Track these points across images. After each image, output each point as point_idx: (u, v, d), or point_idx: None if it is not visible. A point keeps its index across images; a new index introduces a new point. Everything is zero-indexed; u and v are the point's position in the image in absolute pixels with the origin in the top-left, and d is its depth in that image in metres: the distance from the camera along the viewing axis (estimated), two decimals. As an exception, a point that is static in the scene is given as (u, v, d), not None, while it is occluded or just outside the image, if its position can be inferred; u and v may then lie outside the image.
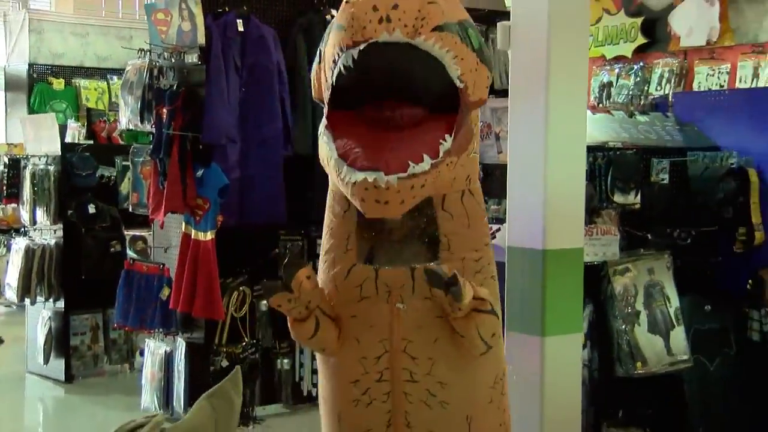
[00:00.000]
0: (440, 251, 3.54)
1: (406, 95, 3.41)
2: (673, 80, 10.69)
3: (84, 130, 10.89)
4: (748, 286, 6.61)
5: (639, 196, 6.48)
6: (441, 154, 3.24)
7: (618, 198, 6.42)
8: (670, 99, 8.00)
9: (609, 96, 11.21)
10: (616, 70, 11.30)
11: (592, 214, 6.32)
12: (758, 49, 10.13)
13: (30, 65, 11.34)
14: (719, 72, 10.31)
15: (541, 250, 5.56)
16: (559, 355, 5.63)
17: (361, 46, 3.14)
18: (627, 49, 11.35)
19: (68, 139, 10.55)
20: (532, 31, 5.65)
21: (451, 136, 3.27)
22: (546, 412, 5.61)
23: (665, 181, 6.58)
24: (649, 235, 6.61)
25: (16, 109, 12.00)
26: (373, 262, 3.62)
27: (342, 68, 3.26)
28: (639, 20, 11.26)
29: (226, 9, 8.30)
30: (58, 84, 12.34)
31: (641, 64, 11.07)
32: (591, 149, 6.36)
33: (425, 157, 3.20)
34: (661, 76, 10.79)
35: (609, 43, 11.59)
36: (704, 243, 6.67)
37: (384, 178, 3.15)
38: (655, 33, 11.23)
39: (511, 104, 5.81)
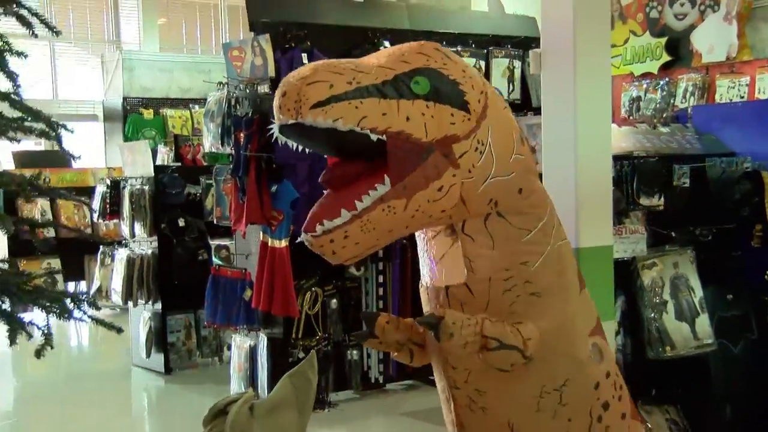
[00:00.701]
0: (465, 273, 3.36)
1: (346, 155, 3.27)
2: (696, 93, 10.60)
3: (172, 154, 10.96)
4: (765, 277, 6.43)
5: (662, 199, 6.32)
6: (369, 202, 3.09)
7: (643, 201, 6.25)
8: (689, 112, 7.84)
9: (638, 109, 11.11)
10: (644, 86, 11.19)
11: (620, 215, 6.19)
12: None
13: (124, 98, 11.43)
14: (739, 85, 10.22)
15: (575, 248, 5.42)
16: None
17: (274, 129, 3.13)
18: (653, 66, 11.27)
19: (158, 162, 10.64)
20: (559, 56, 5.58)
21: (383, 183, 3.09)
22: None
23: (686, 185, 6.42)
24: (672, 233, 6.47)
25: (113, 137, 12.08)
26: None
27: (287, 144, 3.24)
28: (663, 40, 11.21)
29: (292, 45, 8.32)
30: (148, 114, 12.43)
31: (667, 79, 10.96)
32: (618, 158, 6.29)
33: (342, 211, 3.08)
34: (686, 90, 10.68)
35: (637, 62, 11.51)
36: (724, 239, 6.53)
37: (306, 237, 3.14)
38: (678, 51, 11.19)
39: (544, 120, 5.75)
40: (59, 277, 12.98)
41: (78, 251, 12.75)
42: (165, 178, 10.01)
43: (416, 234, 3.59)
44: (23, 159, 13.58)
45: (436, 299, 3.46)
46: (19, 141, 3.19)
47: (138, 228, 10.09)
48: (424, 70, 3.14)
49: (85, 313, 3.38)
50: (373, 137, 3.06)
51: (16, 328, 3.01)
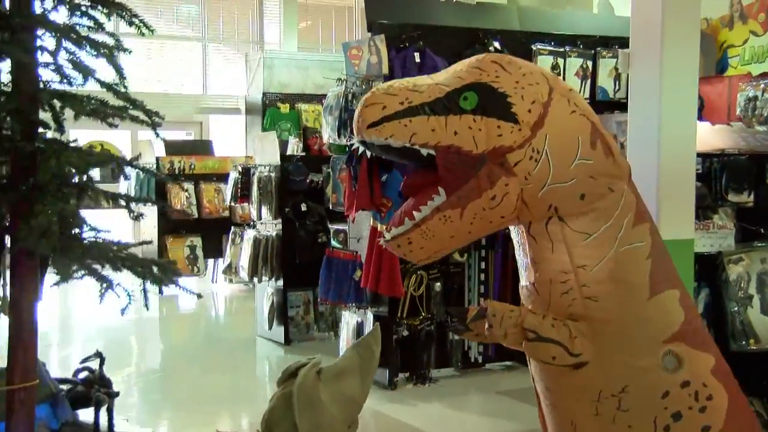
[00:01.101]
0: (533, 272, 3.45)
1: (419, 164, 3.38)
2: (815, 94, 10.04)
3: (301, 144, 10.99)
4: None
5: (752, 196, 6.18)
6: (426, 212, 3.23)
7: (732, 197, 6.13)
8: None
9: (755, 109, 10.64)
10: (762, 86, 10.62)
11: (708, 210, 6.08)
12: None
13: (264, 94, 11.60)
14: None
15: None
16: None
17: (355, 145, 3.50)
18: None
19: (289, 152, 10.72)
20: (647, 56, 5.49)
21: (439, 195, 3.22)
22: None
23: (783, 185, 6.23)
24: (762, 230, 6.26)
25: (253, 128, 12.25)
26: None
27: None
28: None
29: (407, 45, 8.28)
30: (284, 108, 12.51)
31: None
32: (707, 155, 6.16)
33: (406, 220, 3.27)
34: None
35: (755, 62, 11.02)
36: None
37: (382, 241, 3.48)
38: None
39: (630, 117, 5.67)
40: (200, 253, 13.29)
41: (217, 231, 12.90)
42: (290, 166, 10.12)
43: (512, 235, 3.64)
44: (172, 147, 13.92)
45: (521, 289, 3.56)
46: (116, 126, 3.19)
47: (264, 211, 10.22)
48: (475, 85, 3.21)
49: (171, 280, 3.37)
50: (424, 152, 3.18)
51: (107, 287, 3.06)
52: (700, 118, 8.25)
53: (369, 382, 3.51)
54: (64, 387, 4.83)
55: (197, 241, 13.28)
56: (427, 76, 3.40)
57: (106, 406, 4.69)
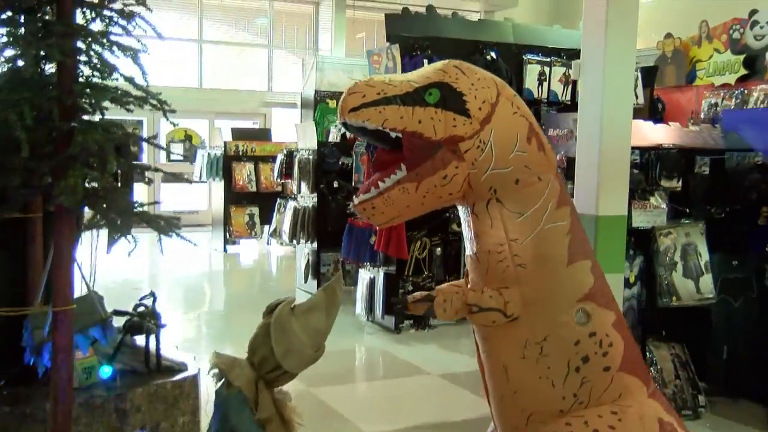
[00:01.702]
0: (475, 244, 3.42)
1: (388, 144, 3.35)
2: (766, 102, 10.01)
3: (339, 134, 11.06)
4: (766, 249, 6.20)
5: (680, 182, 6.23)
6: (389, 183, 3.23)
7: (664, 183, 6.19)
8: (719, 115, 7.60)
9: (716, 114, 10.64)
10: (722, 95, 10.60)
11: (645, 193, 6.12)
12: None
13: (315, 91, 11.69)
14: None
15: (596, 216, 5.54)
16: None
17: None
18: (731, 78, 10.67)
19: (330, 139, 10.85)
20: (592, 66, 5.59)
21: (401, 169, 3.22)
22: None
23: (705, 172, 6.30)
24: (687, 210, 6.33)
25: (306, 120, 12.23)
26: None
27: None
28: (741, 57, 10.58)
29: (418, 53, 8.40)
30: (332, 103, 12.57)
31: (742, 89, 10.37)
32: (646, 149, 6.20)
33: (372, 189, 3.25)
34: (757, 99, 10.07)
35: (717, 74, 10.95)
36: (734, 217, 6.35)
37: (352, 205, 3.43)
38: (755, 66, 10.54)
39: (579, 116, 5.75)
40: (257, 220, 13.47)
41: (272, 202, 13.00)
42: (326, 150, 10.18)
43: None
44: (238, 134, 14.06)
45: (467, 259, 3.53)
46: (132, 110, 3.34)
47: (303, 186, 10.31)
48: (439, 83, 3.20)
49: (174, 232, 3.53)
50: (392, 134, 3.17)
51: (119, 236, 3.21)
52: (662, 120, 8.35)
53: (333, 316, 3.44)
54: (125, 317, 5.01)
55: (255, 210, 13.37)
56: (402, 74, 3.41)
57: (154, 334, 4.74)
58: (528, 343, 3.37)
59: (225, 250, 13.40)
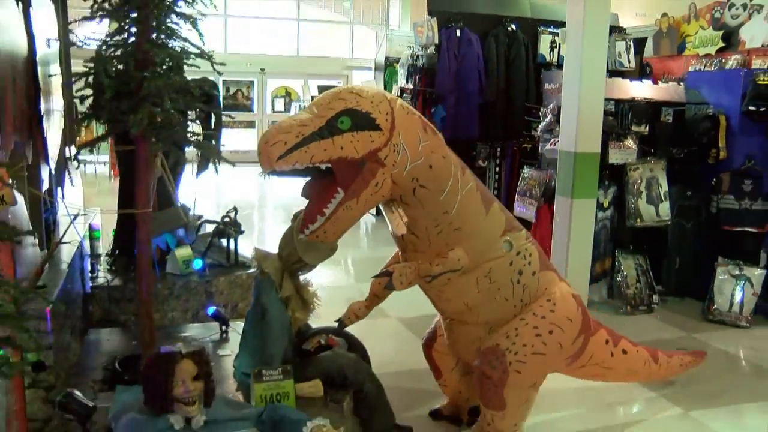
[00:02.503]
0: (413, 226, 3.24)
1: (321, 176, 3.09)
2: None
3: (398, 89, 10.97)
4: (713, 182, 6.16)
5: (648, 128, 6.16)
6: (333, 207, 3.01)
7: (634, 128, 6.15)
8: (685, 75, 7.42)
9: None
10: (704, 62, 10.33)
11: (620, 136, 6.08)
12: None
13: (386, 58, 11.42)
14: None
15: (575, 153, 5.51)
16: (580, 210, 5.56)
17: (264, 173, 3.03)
18: (712, 50, 10.42)
19: (394, 93, 10.60)
20: (574, 34, 5.52)
21: (339, 192, 3.00)
22: (572, 237, 5.57)
23: (669, 121, 6.23)
24: (653, 150, 6.27)
25: (379, 80, 11.90)
26: None
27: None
28: (720, 32, 10.32)
29: (452, 25, 8.28)
30: (397, 66, 12.48)
31: (720, 59, 10.11)
32: (620, 101, 6.13)
33: (318, 217, 3.02)
34: (732, 66, 9.79)
35: (701, 46, 10.67)
36: (690, 157, 6.26)
37: (302, 237, 3.12)
38: (730, 40, 10.28)
39: (565, 74, 5.68)
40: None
41: None
42: None
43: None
44: (322, 90, 14.01)
45: (401, 241, 3.36)
46: (190, 65, 3.40)
47: None
48: (345, 111, 2.97)
49: (215, 157, 3.64)
50: (322, 167, 2.96)
51: (178, 159, 3.32)
52: (649, 78, 8.20)
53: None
54: (213, 225, 5.19)
55: None
56: (305, 110, 3.09)
57: (234, 238, 4.86)
58: (478, 279, 3.33)
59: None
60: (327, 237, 3.09)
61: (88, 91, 3.33)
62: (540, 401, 3.59)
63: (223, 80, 16.63)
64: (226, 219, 4.98)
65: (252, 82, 17.06)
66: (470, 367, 3.63)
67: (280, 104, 17.31)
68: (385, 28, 16.73)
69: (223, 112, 4.98)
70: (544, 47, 8.74)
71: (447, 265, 3.22)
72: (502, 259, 3.37)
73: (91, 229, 4.97)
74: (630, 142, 6.07)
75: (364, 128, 2.97)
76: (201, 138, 4.84)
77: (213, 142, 5.21)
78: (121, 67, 3.26)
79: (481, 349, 3.40)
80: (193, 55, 3.39)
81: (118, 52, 3.27)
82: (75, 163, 4.32)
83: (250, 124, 17.16)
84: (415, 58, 8.37)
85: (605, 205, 6.05)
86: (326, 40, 17.89)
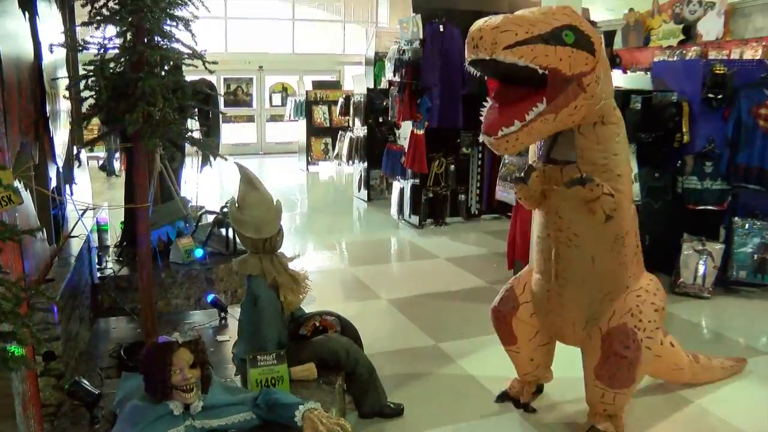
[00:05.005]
0: (577, 158, 3.06)
1: (517, 81, 2.88)
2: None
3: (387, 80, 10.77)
4: (678, 164, 6.08)
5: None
6: (533, 116, 2.80)
7: None
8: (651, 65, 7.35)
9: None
10: (667, 53, 10.35)
11: None
12: (744, 43, 9.35)
13: (375, 53, 10.95)
14: (722, 55, 9.39)
15: None
16: None
17: (467, 61, 2.86)
18: (674, 42, 10.59)
19: (382, 86, 10.24)
20: None
21: (542, 103, 2.79)
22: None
23: (638, 107, 6.08)
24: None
25: (369, 74, 11.35)
26: (548, 161, 3.21)
27: (472, 72, 2.91)
28: (681, 26, 10.42)
29: (435, 21, 8.12)
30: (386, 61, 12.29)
31: (681, 50, 10.18)
32: None
33: (516, 122, 2.79)
34: (691, 57, 9.85)
35: (664, 39, 10.78)
36: (659, 141, 6.12)
37: (488, 139, 2.86)
38: (690, 33, 10.43)
39: None
40: (330, 147, 13.37)
41: (336, 133, 12.83)
42: (372, 95, 10.02)
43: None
44: (316, 85, 13.90)
45: (559, 171, 3.11)
46: (187, 65, 3.30)
47: (356, 121, 10.22)
48: (570, 26, 2.82)
49: (215, 154, 3.54)
50: (540, 71, 2.76)
51: (172, 154, 3.22)
52: (619, 68, 8.10)
53: (260, 185, 3.20)
54: (213, 215, 5.11)
55: (329, 140, 13.20)
56: (527, 10, 2.86)
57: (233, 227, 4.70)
58: (617, 237, 3.14)
59: (307, 169, 13.50)
60: (515, 146, 2.87)
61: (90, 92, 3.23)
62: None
63: (224, 78, 16.43)
64: (225, 209, 4.89)
65: (251, 79, 16.91)
66: (552, 338, 3.52)
67: (277, 99, 17.14)
68: (375, 25, 16.51)
69: (219, 110, 4.88)
70: (522, 40, 8.60)
71: (613, 192, 3.00)
72: (634, 223, 3.24)
73: (98, 222, 4.88)
74: (604, 128, 5.99)
75: (583, 48, 2.83)
76: (199, 134, 4.81)
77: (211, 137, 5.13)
78: (119, 69, 3.17)
79: (606, 330, 3.18)
80: (185, 56, 3.28)
81: (114, 56, 3.18)
82: (77, 162, 4.20)
83: (250, 119, 17.04)
84: (401, 52, 8.21)
85: (582, 187, 5.98)
86: (320, 38, 17.68)
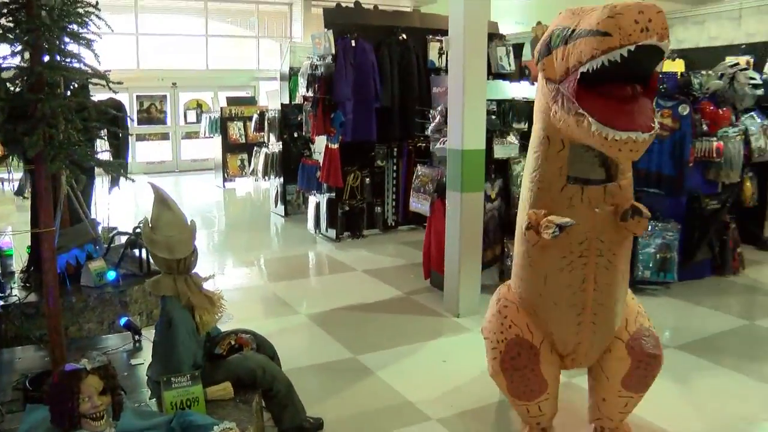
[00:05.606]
0: (614, 175, 2.96)
1: (631, 78, 2.61)
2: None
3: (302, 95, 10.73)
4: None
5: (527, 124, 6.21)
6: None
7: (515, 125, 6.24)
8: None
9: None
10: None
11: (503, 132, 6.16)
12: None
13: (290, 68, 10.97)
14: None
15: (461, 150, 5.43)
16: (470, 202, 5.50)
17: (632, 47, 2.40)
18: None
19: (296, 102, 10.30)
20: (456, 41, 5.45)
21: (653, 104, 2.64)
22: (464, 227, 5.51)
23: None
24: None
25: (283, 90, 11.38)
26: (576, 182, 2.99)
27: (607, 61, 2.46)
28: None
29: (347, 36, 8.16)
30: (299, 77, 12.22)
31: None
32: (501, 101, 6.17)
33: (655, 120, 2.56)
34: None
35: None
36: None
37: (642, 136, 2.49)
38: None
39: (450, 78, 5.60)
40: (245, 163, 13.16)
41: (252, 149, 12.61)
42: (287, 110, 9.96)
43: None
44: (230, 100, 13.74)
45: (602, 194, 2.93)
46: (92, 84, 3.21)
47: (272, 137, 10.10)
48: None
49: (122, 175, 3.44)
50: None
51: (76, 177, 3.08)
52: (527, 79, 8.33)
53: (174, 205, 3.11)
54: (126, 236, 4.96)
55: (244, 156, 12.98)
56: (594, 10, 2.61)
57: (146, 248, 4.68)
58: (629, 251, 3.12)
59: (224, 186, 13.31)
60: (646, 145, 2.55)
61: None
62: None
63: (137, 95, 15.99)
64: (138, 230, 4.81)
65: (165, 96, 16.53)
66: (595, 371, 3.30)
67: (192, 116, 16.82)
68: (289, 40, 16.48)
69: (127, 131, 4.77)
70: (433, 54, 8.78)
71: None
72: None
73: (0, 248, 4.66)
74: (512, 138, 6.17)
75: None
76: (108, 155, 4.67)
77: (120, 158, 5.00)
78: (18, 89, 3.06)
79: (629, 337, 3.14)
80: (89, 76, 3.19)
81: (11, 75, 3.06)
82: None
83: (165, 136, 16.64)
84: (314, 68, 8.22)
85: (493, 196, 6.12)
86: (234, 54, 17.49)
